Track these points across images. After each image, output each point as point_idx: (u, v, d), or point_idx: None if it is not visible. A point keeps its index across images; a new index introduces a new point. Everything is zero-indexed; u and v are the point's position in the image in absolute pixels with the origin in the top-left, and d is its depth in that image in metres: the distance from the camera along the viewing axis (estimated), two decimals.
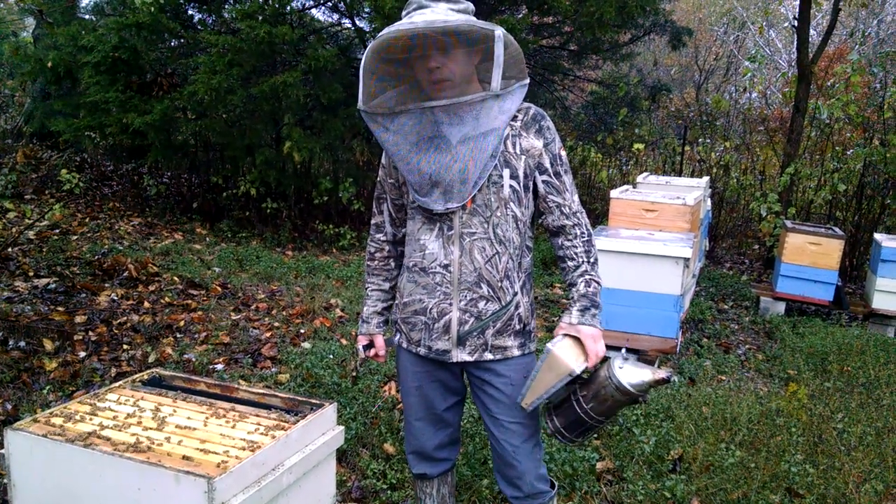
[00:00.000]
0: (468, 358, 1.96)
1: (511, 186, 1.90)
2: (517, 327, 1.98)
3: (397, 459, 3.02)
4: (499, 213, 1.90)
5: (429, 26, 1.69)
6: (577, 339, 1.89)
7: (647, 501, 2.79)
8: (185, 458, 1.76)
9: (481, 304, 1.92)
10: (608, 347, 2.00)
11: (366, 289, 2.18)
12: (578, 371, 1.83)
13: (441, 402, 2.09)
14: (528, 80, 1.84)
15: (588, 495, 2.84)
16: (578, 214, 1.98)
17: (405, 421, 2.17)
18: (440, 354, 1.98)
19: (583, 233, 1.98)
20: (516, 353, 1.98)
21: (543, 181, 1.95)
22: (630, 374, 1.81)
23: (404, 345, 2.06)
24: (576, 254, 1.97)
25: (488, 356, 1.96)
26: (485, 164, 1.82)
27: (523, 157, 1.90)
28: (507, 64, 1.74)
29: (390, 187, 2.04)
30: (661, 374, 1.81)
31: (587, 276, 1.95)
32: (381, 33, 1.73)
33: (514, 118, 1.90)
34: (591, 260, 1.97)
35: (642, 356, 4.20)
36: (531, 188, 1.96)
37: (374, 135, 1.83)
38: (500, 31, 1.73)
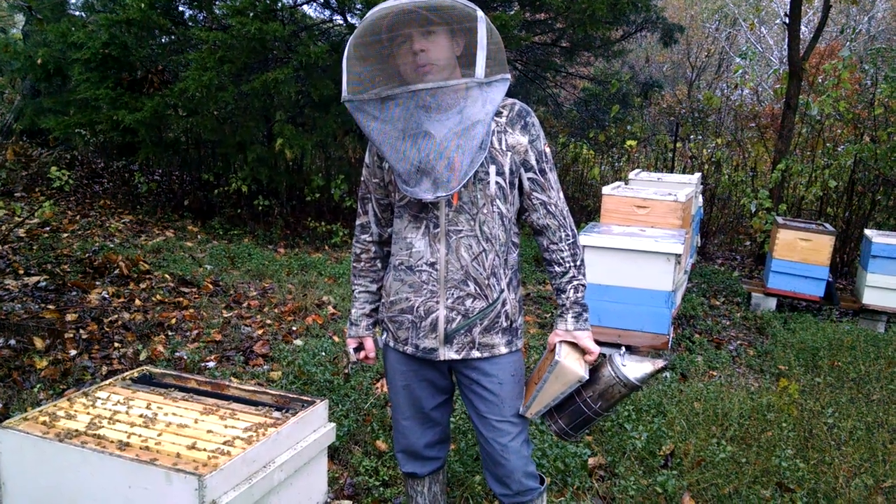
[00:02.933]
0: (455, 356, 1.95)
1: (497, 183, 1.89)
2: (504, 325, 1.97)
3: (390, 456, 3.02)
4: (485, 211, 1.89)
5: (414, 0, 1.69)
6: (575, 344, 1.98)
7: (638, 497, 2.80)
8: (176, 455, 1.76)
9: (468, 302, 1.92)
10: (600, 344, 2.08)
11: (353, 291, 2.16)
12: (588, 376, 1.93)
13: (429, 400, 2.08)
14: (509, 76, 1.82)
15: (580, 491, 2.84)
16: (563, 213, 1.98)
17: (393, 420, 2.16)
18: (427, 353, 1.97)
19: (567, 235, 1.98)
20: (503, 350, 1.98)
21: (529, 178, 1.94)
22: (634, 369, 1.92)
23: (391, 344, 2.05)
24: (562, 258, 1.98)
25: (476, 354, 1.96)
26: (474, 155, 1.79)
27: (509, 154, 1.89)
28: (490, 51, 1.73)
29: (375, 186, 2.02)
30: (660, 363, 1.97)
31: (575, 282, 1.99)
32: (364, 17, 1.73)
33: (499, 114, 1.89)
34: (578, 263, 1.99)
35: (634, 352, 4.22)
36: (517, 185, 1.95)
37: (359, 126, 1.82)
38: (481, 13, 1.74)
